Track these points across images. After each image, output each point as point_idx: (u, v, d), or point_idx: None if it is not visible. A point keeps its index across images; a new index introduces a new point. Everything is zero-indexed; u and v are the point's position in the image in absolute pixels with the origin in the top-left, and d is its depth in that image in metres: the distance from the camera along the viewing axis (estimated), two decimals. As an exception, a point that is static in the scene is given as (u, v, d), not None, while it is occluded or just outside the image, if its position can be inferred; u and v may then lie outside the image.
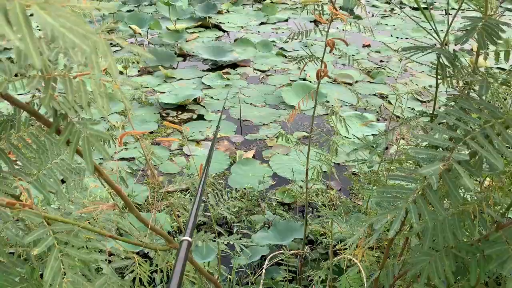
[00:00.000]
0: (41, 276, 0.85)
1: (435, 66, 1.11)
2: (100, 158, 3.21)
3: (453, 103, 1.01)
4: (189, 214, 0.80)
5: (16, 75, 0.62)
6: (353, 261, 1.44)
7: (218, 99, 4.45)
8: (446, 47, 1.12)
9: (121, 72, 4.95)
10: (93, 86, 0.53)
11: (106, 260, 0.85)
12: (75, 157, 0.69)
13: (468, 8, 7.07)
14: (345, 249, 1.44)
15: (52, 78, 0.52)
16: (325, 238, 2.24)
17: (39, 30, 0.37)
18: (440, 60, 1.06)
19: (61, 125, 0.61)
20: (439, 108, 1.30)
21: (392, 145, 3.50)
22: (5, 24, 0.32)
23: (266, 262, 1.69)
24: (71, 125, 0.59)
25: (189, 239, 0.71)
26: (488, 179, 1.18)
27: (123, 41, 0.49)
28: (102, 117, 3.98)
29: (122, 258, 0.91)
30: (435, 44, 1.13)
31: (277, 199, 2.93)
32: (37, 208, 0.73)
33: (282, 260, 2.05)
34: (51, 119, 0.62)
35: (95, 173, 0.74)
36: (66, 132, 0.58)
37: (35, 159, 0.88)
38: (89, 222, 0.90)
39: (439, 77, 1.12)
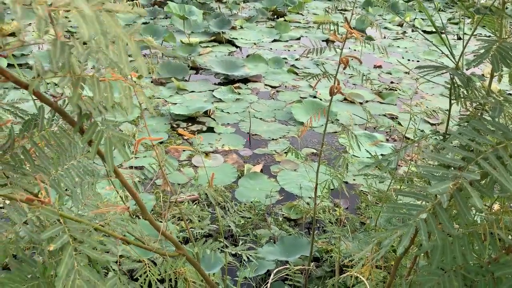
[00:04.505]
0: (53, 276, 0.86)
1: (449, 87, 1.12)
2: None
3: (465, 124, 1.02)
4: None
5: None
6: (359, 279, 1.42)
7: (228, 112, 4.49)
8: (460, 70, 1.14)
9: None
10: (120, 88, 0.55)
11: (117, 262, 0.86)
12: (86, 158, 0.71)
13: (481, 34, 7.11)
14: (352, 266, 1.43)
15: (81, 78, 0.54)
16: (331, 256, 2.23)
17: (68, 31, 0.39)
18: (454, 80, 1.07)
19: (84, 125, 0.63)
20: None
21: (402, 166, 3.49)
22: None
23: (271, 276, 1.68)
24: (94, 125, 0.61)
25: None
26: (497, 203, 1.17)
27: (152, 42, 0.51)
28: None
29: (132, 261, 0.91)
30: (447, 66, 1.15)
31: (283, 214, 2.92)
32: (54, 206, 0.75)
33: (287, 275, 2.03)
34: (75, 119, 0.64)
35: (113, 174, 0.76)
36: (90, 131, 0.60)
37: (53, 159, 0.90)
38: (101, 225, 0.91)
39: (452, 97, 1.13)
